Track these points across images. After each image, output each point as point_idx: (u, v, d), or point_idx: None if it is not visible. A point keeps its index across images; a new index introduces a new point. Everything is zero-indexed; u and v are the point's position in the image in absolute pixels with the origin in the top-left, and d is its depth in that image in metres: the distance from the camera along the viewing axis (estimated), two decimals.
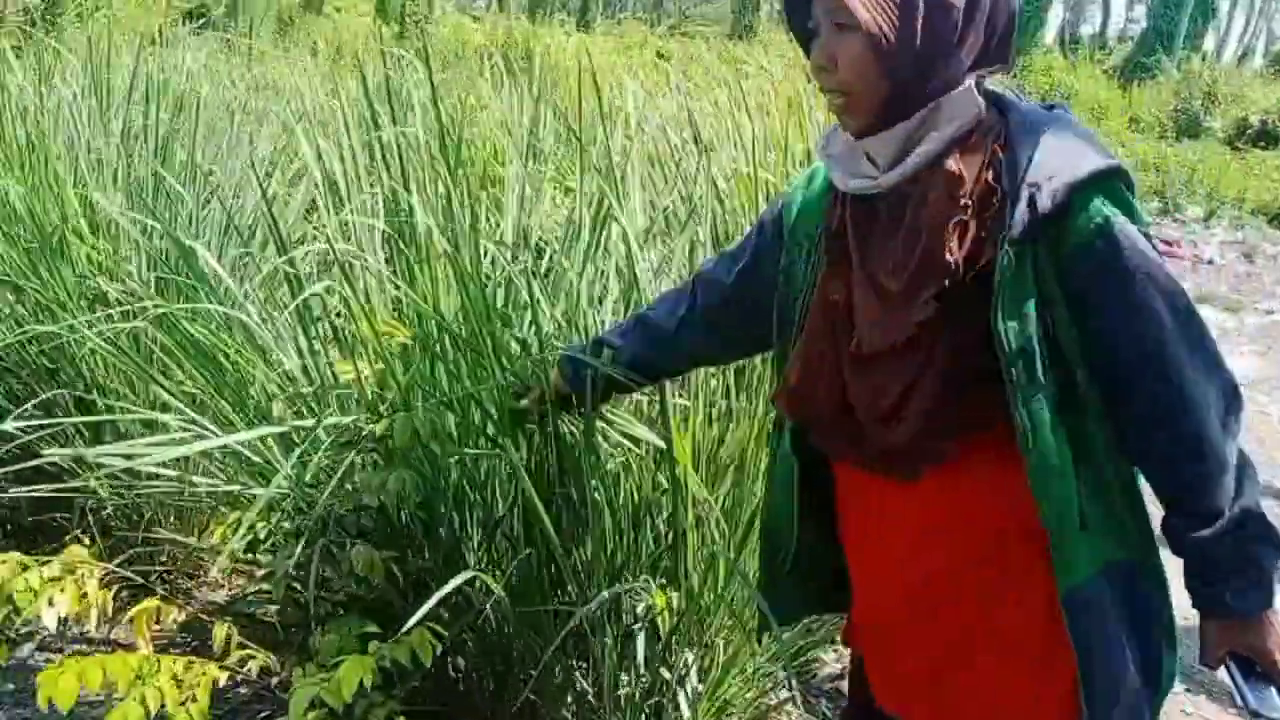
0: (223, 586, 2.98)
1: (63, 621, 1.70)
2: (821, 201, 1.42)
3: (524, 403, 1.89)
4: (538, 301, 2.11)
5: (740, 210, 2.74)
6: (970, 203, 1.24)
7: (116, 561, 2.54)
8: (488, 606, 2.07)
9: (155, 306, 2.24)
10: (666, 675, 2.15)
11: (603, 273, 2.58)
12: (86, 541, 2.85)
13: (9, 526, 3.00)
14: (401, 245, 2.23)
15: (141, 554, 2.81)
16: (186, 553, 2.91)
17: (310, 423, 1.96)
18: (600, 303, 2.56)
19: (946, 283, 1.23)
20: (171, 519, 2.90)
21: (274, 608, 2.42)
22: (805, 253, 1.42)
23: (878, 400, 1.29)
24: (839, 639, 1.78)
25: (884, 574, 1.44)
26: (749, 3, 18.34)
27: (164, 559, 2.94)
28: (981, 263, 1.22)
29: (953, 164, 1.25)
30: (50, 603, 1.66)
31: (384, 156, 2.34)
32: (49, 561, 1.79)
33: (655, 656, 2.12)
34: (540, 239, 2.91)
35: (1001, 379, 1.22)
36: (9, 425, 2.31)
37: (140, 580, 2.43)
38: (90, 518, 2.79)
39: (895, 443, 1.30)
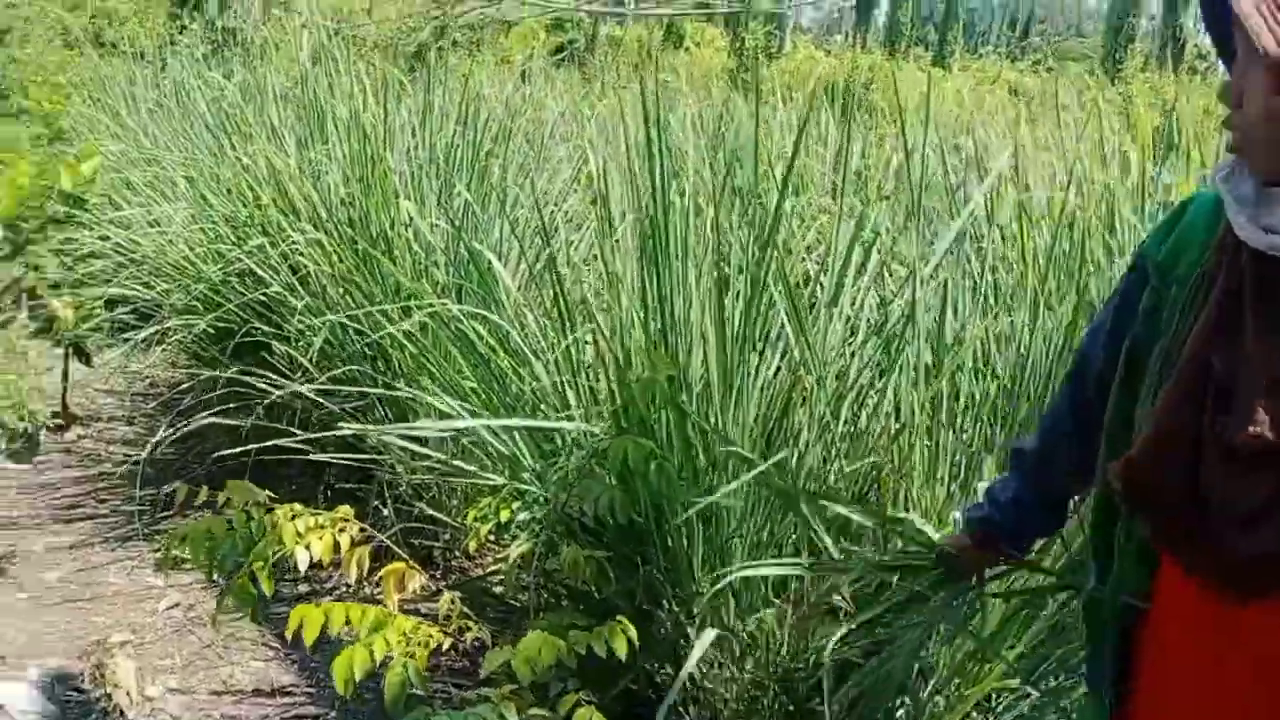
0: (492, 564, 3.26)
1: (316, 565, 1.97)
2: (1205, 236, 1.18)
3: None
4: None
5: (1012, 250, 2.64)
6: None
7: (398, 529, 2.89)
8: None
9: (442, 307, 2.52)
10: None
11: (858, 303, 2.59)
12: (384, 511, 3.26)
13: (329, 491, 3.47)
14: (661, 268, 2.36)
15: (428, 530, 3.16)
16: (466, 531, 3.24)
17: (551, 424, 2.14)
18: (853, 336, 2.57)
19: None
20: (455, 500, 3.22)
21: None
22: (1178, 297, 1.19)
23: (1239, 498, 1.09)
24: None
25: (1185, 692, 1.23)
26: (1121, 37, 17.07)
27: (447, 535, 3.27)
28: None
29: None
30: (307, 548, 1.93)
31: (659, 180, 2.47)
32: (318, 514, 2.08)
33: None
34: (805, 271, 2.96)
35: None
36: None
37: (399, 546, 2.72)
38: (387, 491, 3.16)
39: (1244, 552, 1.10)
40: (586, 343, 2.58)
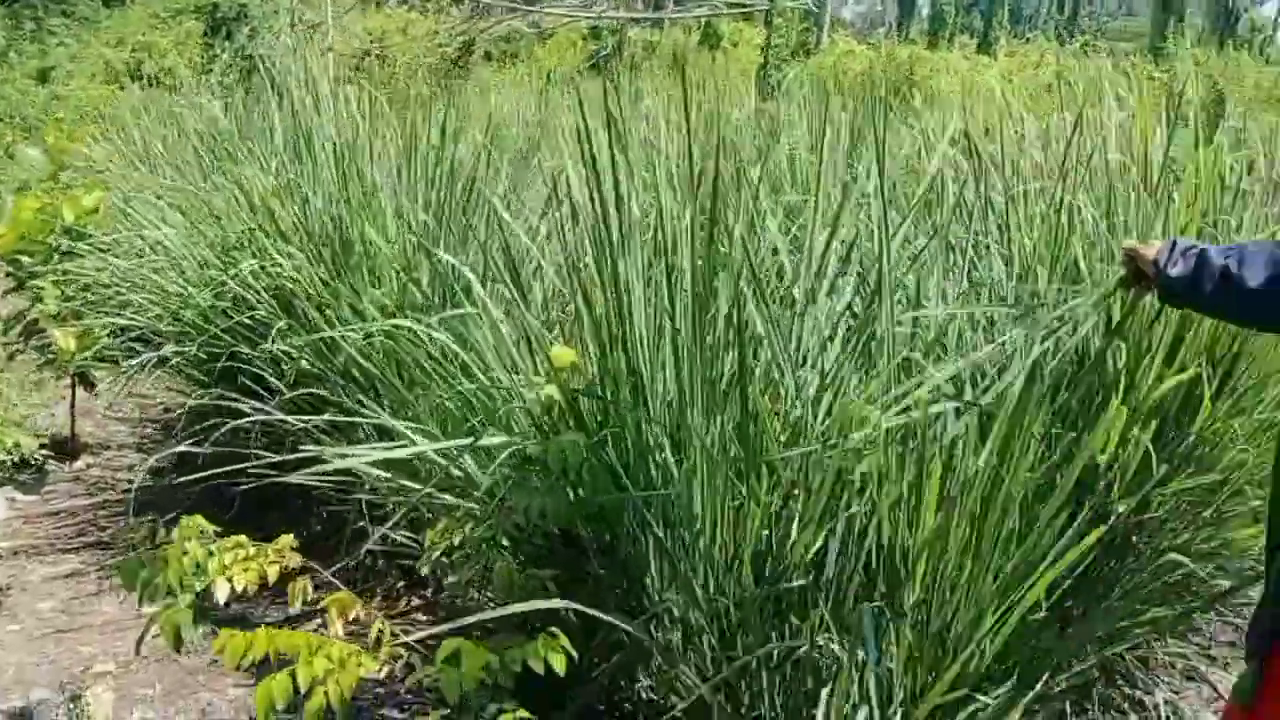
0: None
1: (238, 597, 1.95)
2: None
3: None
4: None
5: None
6: None
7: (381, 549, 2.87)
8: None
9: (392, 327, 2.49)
10: None
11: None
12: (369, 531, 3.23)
13: (323, 512, 3.46)
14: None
15: (399, 551, 3.13)
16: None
17: (484, 442, 2.09)
18: (830, 343, 2.47)
19: None
20: (427, 517, 3.19)
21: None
22: None
23: None
24: None
25: None
26: (1168, 15, 16.58)
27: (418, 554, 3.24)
28: None
29: None
30: (229, 580, 1.91)
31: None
32: (260, 545, 2.06)
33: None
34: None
35: None
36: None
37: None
38: (368, 512, 3.13)
39: None
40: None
